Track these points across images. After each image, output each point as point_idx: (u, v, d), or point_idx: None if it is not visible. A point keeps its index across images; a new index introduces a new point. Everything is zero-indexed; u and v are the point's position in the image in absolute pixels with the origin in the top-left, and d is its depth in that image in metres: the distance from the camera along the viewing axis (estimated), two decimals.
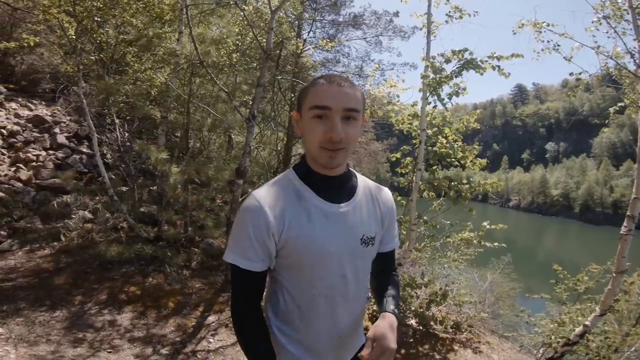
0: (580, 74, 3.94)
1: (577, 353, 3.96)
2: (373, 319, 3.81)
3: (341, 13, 10.82)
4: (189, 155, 5.10)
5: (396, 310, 1.05)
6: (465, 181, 4.06)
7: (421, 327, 3.95)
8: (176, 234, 4.71)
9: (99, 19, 4.71)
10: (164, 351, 2.98)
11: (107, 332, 3.10)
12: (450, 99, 3.80)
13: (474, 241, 4.14)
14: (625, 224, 3.46)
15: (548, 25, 3.91)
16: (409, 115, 4.21)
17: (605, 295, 3.63)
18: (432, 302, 4.04)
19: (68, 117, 6.74)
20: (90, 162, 5.88)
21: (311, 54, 10.22)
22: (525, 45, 4.05)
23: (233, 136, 6.63)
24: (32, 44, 4.78)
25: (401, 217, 3.90)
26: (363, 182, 1.13)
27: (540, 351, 4.38)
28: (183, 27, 4.63)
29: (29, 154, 5.47)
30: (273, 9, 4.04)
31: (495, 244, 4.14)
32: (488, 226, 4.10)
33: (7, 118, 6.03)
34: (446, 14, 3.83)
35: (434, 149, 4.02)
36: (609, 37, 3.75)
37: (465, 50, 3.67)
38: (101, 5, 4.43)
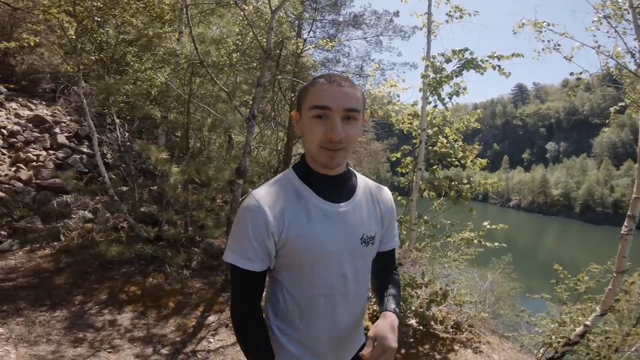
0: (580, 73, 3.94)
1: (577, 353, 3.96)
2: (373, 318, 3.81)
3: (341, 13, 10.83)
4: (189, 155, 5.10)
5: (397, 310, 1.05)
6: (465, 181, 4.05)
7: (421, 327, 3.95)
8: (176, 234, 4.71)
9: (99, 19, 4.72)
10: (164, 351, 2.98)
11: (108, 332, 3.10)
12: (450, 98, 3.79)
13: (475, 241, 4.13)
14: (625, 223, 3.46)
15: (548, 24, 3.90)
16: (409, 114, 4.20)
17: (605, 295, 3.63)
18: (433, 302, 4.04)
19: (68, 117, 6.75)
20: (90, 162, 5.88)
21: (311, 53, 10.22)
22: (526, 44, 4.05)
23: (233, 136, 6.63)
24: (32, 44, 4.78)
25: (401, 217, 3.90)
26: (363, 181, 1.13)
27: (541, 351, 4.38)
28: (183, 27, 4.63)
29: (29, 154, 5.47)
30: (273, 8, 4.03)
31: (496, 243, 4.13)
32: (488, 226, 4.10)
33: (7, 118, 6.03)
34: (446, 14, 3.83)
35: (435, 148, 4.01)
36: (609, 36, 3.75)
37: (466, 49, 3.66)
38: (101, 5, 4.43)
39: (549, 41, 3.94)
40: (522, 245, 35.86)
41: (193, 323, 3.45)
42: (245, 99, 6.57)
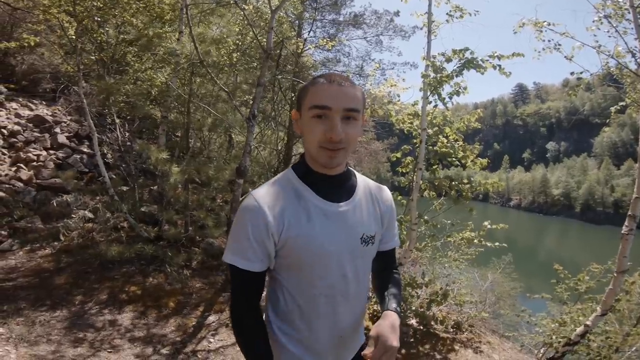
0: (581, 73, 3.93)
1: (578, 353, 3.95)
2: (373, 318, 3.81)
3: (341, 12, 10.82)
4: (190, 154, 5.10)
5: (398, 309, 1.05)
6: (466, 181, 4.05)
7: (422, 327, 3.95)
8: (177, 234, 4.71)
9: (99, 19, 4.72)
10: (164, 351, 2.98)
11: (108, 331, 3.10)
12: (451, 98, 3.79)
13: (475, 241, 4.13)
14: (626, 223, 3.45)
15: (549, 24, 3.90)
16: (409, 114, 4.20)
17: (606, 295, 3.63)
18: (433, 301, 4.04)
19: (68, 117, 6.75)
20: (90, 161, 5.88)
21: (312, 53, 10.22)
22: (526, 44, 4.04)
23: (233, 136, 6.63)
24: (32, 43, 4.77)
25: (402, 217, 3.89)
26: (362, 181, 1.13)
27: (541, 351, 4.38)
28: (183, 27, 4.63)
29: (30, 154, 5.47)
30: (273, 8, 4.03)
31: (496, 243, 4.13)
32: (489, 226, 4.10)
33: (7, 118, 6.04)
34: (447, 13, 3.83)
35: (435, 148, 4.01)
36: (610, 36, 3.74)
37: (466, 49, 3.66)
38: (101, 5, 4.43)
39: (549, 41, 3.94)
40: (523, 245, 35.83)
41: (193, 323, 3.45)
42: (245, 98, 6.56)
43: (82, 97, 4.57)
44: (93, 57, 5.01)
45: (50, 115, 6.48)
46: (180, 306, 3.68)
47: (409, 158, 4.19)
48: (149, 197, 5.69)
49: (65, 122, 6.52)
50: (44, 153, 5.65)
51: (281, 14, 5.89)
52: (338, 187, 1.04)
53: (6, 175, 5.05)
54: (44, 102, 7.03)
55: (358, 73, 11.12)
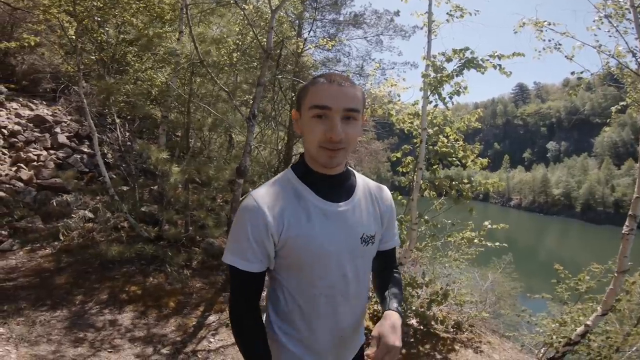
0: (581, 73, 3.92)
1: (578, 353, 3.95)
2: (374, 318, 3.81)
3: (342, 12, 10.83)
4: (190, 154, 5.10)
5: (399, 308, 1.05)
6: (466, 180, 4.04)
7: (422, 327, 3.95)
8: (177, 234, 4.71)
9: (99, 19, 4.72)
10: (164, 351, 2.98)
11: (108, 331, 3.11)
12: (451, 98, 3.78)
13: (475, 240, 4.13)
14: (627, 223, 3.45)
15: (549, 24, 3.89)
16: (409, 114, 4.19)
17: (606, 295, 3.62)
18: (433, 301, 4.03)
19: (69, 117, 6.75)
20: (91, 161, 5.88)
21: (312, 53, 10.22)
22: (527, 44, 4.03)
23: (234, 135, 6.63)
24: (32, 43, 4.77)
25: (402, 217, 3.89)
26: (362, 181, 1.13)
27: (542, 351, 4.37)
28: (183, 27, 4.62)
29: (30, 154, 5.47)
30: (273, 8, 4.03)
31: (497, 243, 4.12)
32: (489, 226, 4.09)
33: (8, 118, 6.04)
34: (447, 13, 3.82)
35: (435, 148, 4.00)
36: (610, 36, 3.73)
37: (467, 49, 3.65)
38: (101, 5, 4.43)
39: (549, 40, 3.92)
40: (523, 245, 35.81)
41: (193, 323, 3.45)
42: (245, 98, 6.56)
43: (82, 97, 4.58)
44: (93, 57, 5.01)
45: (50, 115, 6.48)
46: (181, 306, 3.68)
47: (409, 158, 4.18)
48: (149, 197, 5.70)
49: (65, 122, 6.52)
50: (44, 153, 5.66)
51: (281, 13, 5.89)
52: (337, 187, 1.04)
53: (6, 175, 5.05)
54: (44, 102, 7.04)
55: (358, 73, 11.14)
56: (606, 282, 4.03)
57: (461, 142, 4.04)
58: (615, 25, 3.67)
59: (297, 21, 8.79)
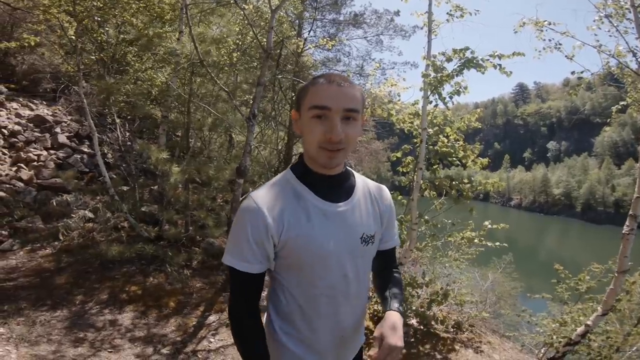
0: (582, 72, 3.92)
1: (578, 353, 3.94)
2: (374, 318, 3.81)
3: (342, 12, 10.84)
4: (190, 154, 5.10)
5: (400, 308, 1.05)
6: (466, 180, 4.04)
7: (422, 327, 3.94)
8: (177, 234, 4.71)
9: (99, 19, 4.72)
10: (164, 351, 2.98)
11: (108, 331, 3.11)
12: (451, 97, 3.77)
13: (475, 240, 4.12)
14: (627, 223, 3.44)
15: (549, 24, 3.88)
16: (410, 114, 4.19)
17: (607, 294, 3.62)
18: (433, 301, 4.03)
19: (69, 117, 6.75)
20: (91, 161, 5.89)
21: (312, 53, 10.23)
22: (527, 43, 4.02)
23: (234, 135, 6.63)
24: (32, 43, 4.77)
25: (402, 217, 3.89)
26: (361, 181, 1.13)
27: (542, 351, 4.37)
28: (183, 27, 4.62)
29: (30, 154, 5.48)
30: (273, 8, 4.02)
31: (497, 243, 4.12)
32: (489, 225, 4.09)
33: (8, 118, 6.04)
34: (447, 13, 3.81)
35: (435, 148, 4.00)
36: (610, 35, 3.73)
37: (467, 49, 3.65)
38: (101, 5, 4.43)
39: (550, 40, 3.92)
40: (523, 245, 35.81)
41: (193, 323, 3.45)
42: (245, 98, 6.56)
43: (82, 97, 4.58)
44: (93, 57, 5.01)
45: (50, 115, 6.49)
46: (181, 306, 3.68)
47: (410, 158, 4.18)
48: (149, 197, 5.70)
49: (65, 122, 6.52)
50: (45, 153, 5.66)
51: (281, 13, 5.89)
52: (337, 187, 1.04)
53: (7, 175, 5.05)
54: (45, 102, 7.04)
55: (358, 73, 11.15)
56: (606, 282, 4.02)
57: (461, 142, 4.04)
58: (615, 24, 3.66)
59: (297, 21, 8.79)
